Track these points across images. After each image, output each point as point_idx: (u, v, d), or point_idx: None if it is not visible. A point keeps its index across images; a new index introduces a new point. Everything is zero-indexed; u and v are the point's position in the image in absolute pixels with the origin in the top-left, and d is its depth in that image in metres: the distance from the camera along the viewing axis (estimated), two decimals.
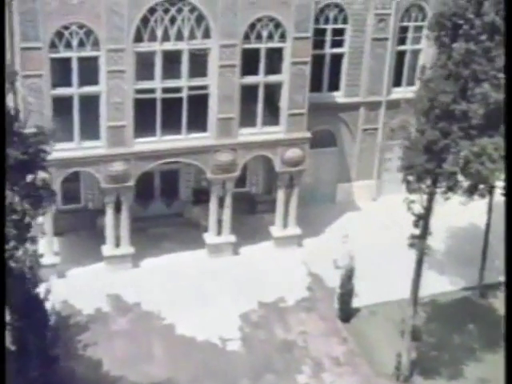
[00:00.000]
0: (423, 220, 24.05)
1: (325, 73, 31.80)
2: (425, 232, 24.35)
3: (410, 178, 23.32)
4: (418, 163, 22.67)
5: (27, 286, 22.55)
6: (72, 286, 28.27)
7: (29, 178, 18.52)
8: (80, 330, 26.65)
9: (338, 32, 31.24)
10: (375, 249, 30.82)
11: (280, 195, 30.67)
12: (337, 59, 31.78)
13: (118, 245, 29.21)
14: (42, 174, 19.78)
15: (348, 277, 27.41)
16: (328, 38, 31.12)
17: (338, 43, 31.49)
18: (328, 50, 31.44)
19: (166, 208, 32.09)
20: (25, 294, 22.45)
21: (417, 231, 24.15)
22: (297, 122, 29.17)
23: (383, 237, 31.40)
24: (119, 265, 29.17)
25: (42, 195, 18.94)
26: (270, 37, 27.70)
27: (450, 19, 21.27)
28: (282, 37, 27.78)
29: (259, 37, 27.59)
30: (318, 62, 30.78)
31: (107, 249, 29.17)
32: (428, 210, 24.01)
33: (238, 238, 30.74)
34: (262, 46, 27.76)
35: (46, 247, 28.17)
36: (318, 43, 30.60)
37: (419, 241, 24.23)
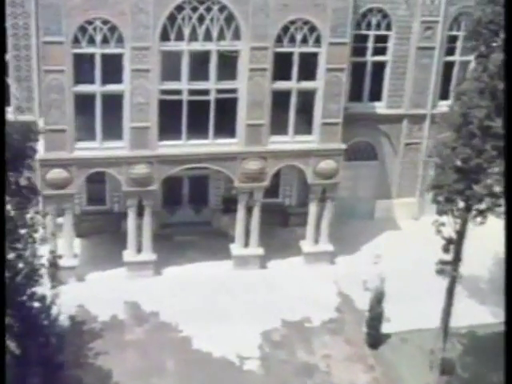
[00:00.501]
0: (455, 245, 22.57)
1: (366, 82, 30.44)
2: (457, 258, 22.84)
3: (440, 198, 21.88)
4: (446, 183, 21.22)
5: (31, 289, 21.99)
6: (90, 291, 27.64)
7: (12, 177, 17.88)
8: (93, 338, 25.85)
9: (381, 39, 29.79)
10: (412, 271, 29.21)
11: (312, 208, 29.44)
12: (379, 68, 30.34)
13: (139, 250, 28.50)
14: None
15: (377, 300, 25.93)
16: (370, 44, 29.73)
17: (380, 51, 30.05)
18: (370, 58, 30.05)
19: (194, 215, 31.25)
20: (28, 297, 21.87)
21: (447, 256, 22.70)
22: (331, 131, 27.91)
23: (422, 259, 29.60)
24: (140, 271, 28.40)
25: (26, 196, 18.29)
26: (304, 41, 26.52)
27: (486, 27, 19.78)
28: (317, 41, 26.57)
29: (292, 40, 26.44)
30: (358, 69, 29.63)
31: (128, 254, 28.44)
32: (460, 233, 22.51)
33: (267, 251, 29.64)
34: (296, 50, 26.59)
35: (66, 249, 27.71)
36: (359, 50, 29.40)
37: (450, 267, 22.76)
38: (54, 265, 27.11)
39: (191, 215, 31.23)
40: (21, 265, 21.19)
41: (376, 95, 30.76)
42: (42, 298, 22.82)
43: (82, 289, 27.75)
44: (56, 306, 23.12)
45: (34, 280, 22.12)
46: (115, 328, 26.40)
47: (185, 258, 29.76)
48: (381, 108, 31.10)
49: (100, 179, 28.70)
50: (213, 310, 27.25)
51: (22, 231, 21.22)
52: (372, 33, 29.65)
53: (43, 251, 22.03)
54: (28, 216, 21.48)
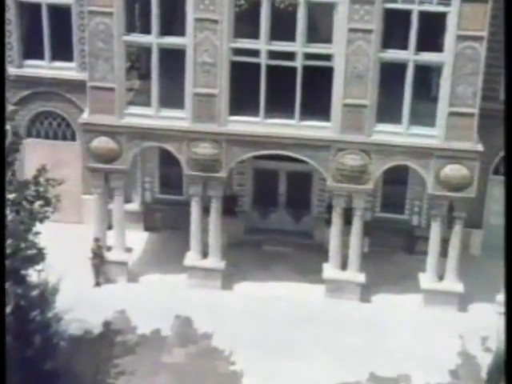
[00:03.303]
0: None
1: None
2: None
3: None
4: None
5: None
6: (138, 295, 24.10)
7: None
8: (123, 352, 22.07)
9: None
10: None
11: (434, 230, 23.34)
12: None
13: (206, 254, 24.29)
14: None
15: (497, 367, 19.46)
16: None
17: None
18: None
19: (291, 222, 26.65)
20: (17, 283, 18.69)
21: None
22: (462, 125, 21.83)
23: None
24: (204, 281, 24.21)
25: None
26: None
27: None
28: None
29: None
30: None
31: (190, 257, 24.27)
32: None
33: (376, 281, 24.54)
34: (415, 8, 20.98)
35: (116, 240, 24.28)
36: None
37: None
38: (98, 256, 24.19)
39: (288, 222, 26.65)
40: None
41: None
42: (42, 288, 19.78)
43: (130, 291, 24.36)
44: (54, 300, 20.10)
45: (33, 262, 19.04)
46: (153, 345, 22.43)
47: (269, 273, 25.26)
48: None
49: (176, 161, 24.76)
50: (283, 344, 22.49)
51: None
52: None
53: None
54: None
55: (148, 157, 25.98)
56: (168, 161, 25.04)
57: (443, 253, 23.96)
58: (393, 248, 25.98)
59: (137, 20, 22.44)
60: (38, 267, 19.30)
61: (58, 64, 24.80)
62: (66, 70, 24.76)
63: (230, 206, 25.54)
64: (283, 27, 21.75)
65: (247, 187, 26.24)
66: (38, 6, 24.18)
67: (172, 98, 22.65)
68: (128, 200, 26.04)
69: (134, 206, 26.40)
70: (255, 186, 26.11)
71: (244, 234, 26.32)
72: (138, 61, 23.97)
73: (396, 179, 25.12)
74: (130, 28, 22.09)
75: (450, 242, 23.49)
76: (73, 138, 25.78)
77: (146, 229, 26.57)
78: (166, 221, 26.35)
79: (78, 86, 24.20)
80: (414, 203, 25.96)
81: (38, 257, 18.98)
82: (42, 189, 19.02)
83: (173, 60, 22.39)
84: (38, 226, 18.84)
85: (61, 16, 24.28)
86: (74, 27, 24.26)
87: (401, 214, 26.16)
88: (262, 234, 26.36)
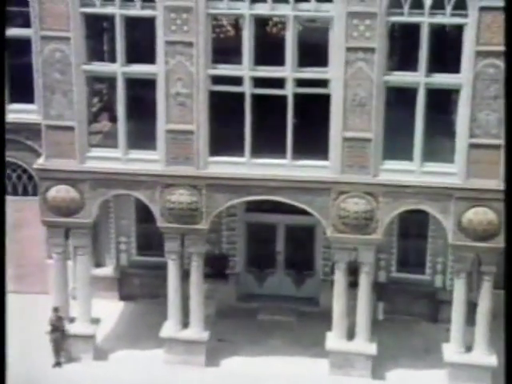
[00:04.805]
0: None
1: None
2: None
3: None
4: None
5: None
6: (106, 375, 21.13)
7: None
8: None
9: None
10: None
11: (459, 289, 20.33)
12: None
13: (186, 324, 21.34)
14: None
15: None
16: None
17: None
18: None
19: (292, 287, 23.99)
20: None
21: None
22: (486, 160, 19.03)
23: None
24: (185, 356, 21.34)
25: None
26: (438, 6, 18.25)
27: None
28: (460, 7, 18.12)
29: (418, 5, 18.33)
30: None
31: (168, 328, 21.37)
32: None
33: (393, 353, 21.72)
34: (424, 21, 18.39)
35: (80, 310, 21.49)
36: None
37: None
38: (57, 329, 21.41)
39: (288, 286, 24.03)
40: None
41: None
42: None
43: (97, 371, 21.39)
44: None
45: None
46: None
47: (265, 346, 22.42)
48: None
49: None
50: None
51: None
52: None
53: None
54: None
55: (123, 212, 23.61)
56: (147, 216, 22.30)
57: (472, 320, 20.91)
58: (413, 315, 23.31)
59: (102, 46, 20.19)
60: None
61: (16, 106, 22.36)
62: (25, 113, 22.35)
63: (219, 268, 23.30)
64: (270, 50, 19.33)
65: (239, 245, 23.72)
66: None
67: (142, 137, 20.17)
68: (100, 264, 23.83)
69: (108, 270, 23.97)
70: (249, 243, 23.66)
71: (236, 301, 23.78)
72: (109, 101, 21.66)
73: (414, 231, 22.75)
74: (93, 56, 19.69)
75: (479, 303, 20.44)
76: (35, 193, 23.08)
77: (122, 297, 24.01)
78: (145, 287, 23.81)
79: (40, 132, 21.64)
80: (436, 260, 23.08)
81: None
82: None
83: (144, 93, 19.98)
84: None
85: (18, 50, 22.02)
86: (35, 63, 21.90)
87: (421, 273, 23.36)
88: (258, 301, 23.89)
